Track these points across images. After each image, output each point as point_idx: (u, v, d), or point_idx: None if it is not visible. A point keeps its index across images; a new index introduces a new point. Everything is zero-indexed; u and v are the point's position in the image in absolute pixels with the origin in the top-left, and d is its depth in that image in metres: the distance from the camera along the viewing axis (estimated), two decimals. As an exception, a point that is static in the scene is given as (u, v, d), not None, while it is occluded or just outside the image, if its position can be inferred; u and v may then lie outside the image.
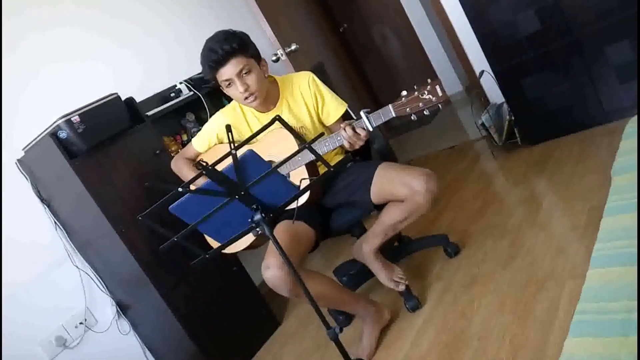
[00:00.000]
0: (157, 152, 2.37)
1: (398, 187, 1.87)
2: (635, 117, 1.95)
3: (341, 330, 1.50)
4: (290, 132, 1.39)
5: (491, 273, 2.04)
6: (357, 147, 1.78)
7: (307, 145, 1.39)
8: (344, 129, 1.74)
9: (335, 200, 2.06)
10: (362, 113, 1.73)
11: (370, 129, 1.74)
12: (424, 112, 1.67)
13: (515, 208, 2.49)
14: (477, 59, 3.16)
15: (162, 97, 2.83)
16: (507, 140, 3.08)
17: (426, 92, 1.65)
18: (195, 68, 2.80)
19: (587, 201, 2.12)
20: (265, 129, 1.40)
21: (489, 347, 1.66)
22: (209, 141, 2.10)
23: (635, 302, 1.17)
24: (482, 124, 3.14)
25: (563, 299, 1.66)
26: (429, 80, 1.66)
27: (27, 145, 2.23)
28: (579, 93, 2.72)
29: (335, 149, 1.86)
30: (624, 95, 2.59)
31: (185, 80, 2.90)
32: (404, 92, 1.68)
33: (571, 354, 1.20)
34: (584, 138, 2.71)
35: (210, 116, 2.17)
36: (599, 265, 1.43)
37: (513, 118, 3.00)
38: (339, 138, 1.79)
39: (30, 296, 2.23)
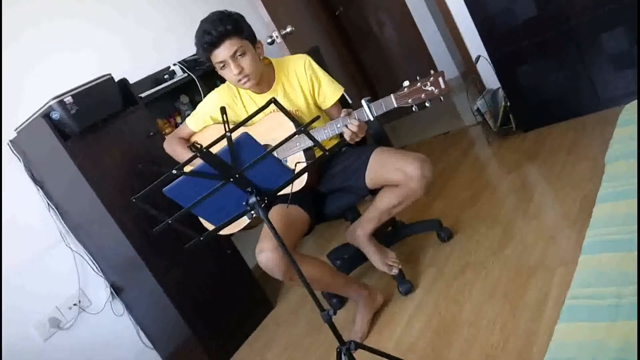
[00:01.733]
0: (151, 134, 2.36)
1: (392, 172, 1.87)
2: (630, 105, 1.96)
3: (335, 313, 1.50)
4: (286, 114, 1.38)
5: (483, 259, 2.05)
6: (357, 139, 1.77)
7: (302, 129, 1.39)
8: (345, 130, 1.74)
9: (330, 185, 2.06)
10: (363, 102, 1.72)
11: (371, 119, 1.73)
12: (426, 103, 1.67)
13: (508, 195, 2.50)
14: (474, 44, 3.15)
15: (156, 79, 2.80)
16: (502, 126, 3.08)
17: (429, 84, 1.64)
18: (188, 49, 2.77)
19: (580, 189, 2.14)
20: (260, 111, 1.39)
21: (480, 332, 1.68)
22: (204, 121, 2.09)
23: (631, 288, 1.18)
24: (478, 110, 3.14)
25: (554, 286, 1.68)
26: (431, 72, 1.65)
27: (20, 126, 2.21)
28: (574, 80, 2.72)
29: (332, 136, 1.85)
30: (618, 83, 2.60)
31: (179, 62, 2.87)
32: (406, 83, 1.67)
33: (561, 339, 1.21)
34: (578, 125, 2.72)
35: (204, 98, 2.15)
36: (591, 252, 1.44)
37: (509, 104, 3.00)
38: (338, 126, 1.79)
39: (24, 278, 2.23)
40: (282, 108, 1.36)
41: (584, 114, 2.76)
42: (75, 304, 2.35)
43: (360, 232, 2.04)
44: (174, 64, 2.86)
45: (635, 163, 1.61)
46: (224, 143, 1.34)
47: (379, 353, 1.57)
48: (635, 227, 1.37)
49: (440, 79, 1.65)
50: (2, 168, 2.26)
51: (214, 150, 1.34)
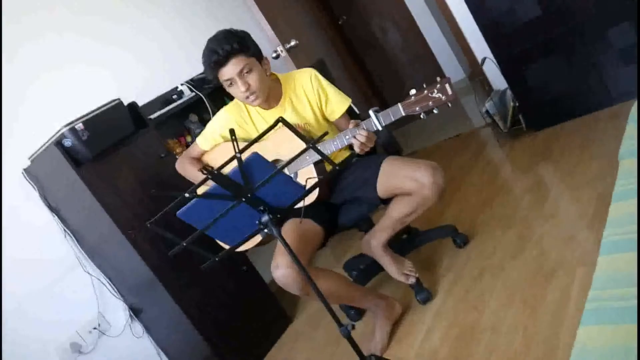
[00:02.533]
0: (163, 155, 2.38)
1: (404, 181, 1.87)
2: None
3: (353, 327, 1.50)
4: (294, 132, 1.39)
5: (501, 263, 2.03)
6: (367, 149, 1.77)
7: (311, 145, 1.39)
8: (355, 141, 1.74)
9: (342, 196, 2.06)
10: (371, 112, 1.72)
11: (380, 129, 1.73)
12: (433, 110, 1.66)
13: (523, 197, 2.48)
14: (479, 46, 3.14)
15: (164, 99, 2.83)
16: (512, 127, 3.06)
17: (436, 91, 1.64)
18: (195, 69, 2.81)
19: (595, 187, 2.11)
20: (269, 131, 1.39)
21: (501, 338, 1.66)
22: (214, 140, 2.10)
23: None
24: (487, 112, 3.13)
25: (574, 288, 1.65)
26: (438, 79, 1.65)
27: (33, 155, 2.24)
28: (583, 77, 2.70)
29: (342, 147, 1.85)
30: (628, 78, 2.57)
31: (187, 82, 2.90)
32: (413, 91, 1.67)
33: (584, 342, 1.19)
34: (589, 122, 2.69)
35: (213, 115, 2.17)
36: (609, 252, 1.42)
37: (517, 104, 2.98)
38: (347, 137, 1.79)
39: (43, 304, 2.25)
40: (290, 126, 1.37)
41: (595, 110, 2.73)
42: (95, 328, 2.37)
43: (375, 243, 2.04)
44: (182, 84, 2.89)
45: (650, 159, 1.59)
46: (235, 163, 1.35)
47: (401, 365, 1.55)
48: (654, 225, 1.35)
49: (447, 86, 1.64)
50: (17, 196, 2.29)
51: (226, 170, 1.35)
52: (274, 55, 3.21)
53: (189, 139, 2.88)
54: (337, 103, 2.04)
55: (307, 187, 1.49)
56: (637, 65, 2.45)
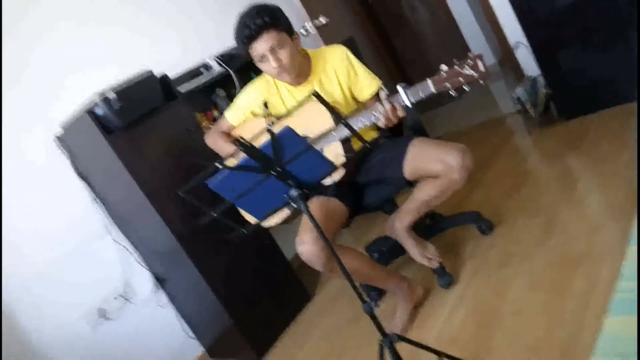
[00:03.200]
0: (191, 128, 2.40)
1: (432, 163, 1.85)
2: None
3: (377, 305, 1.51)
4: (327, 107, 1.38)
5: (526, 250, 2.02)
6: (392, 124, 1.74)
7: (343, 120, 1.39)
8: (382, 104, 1.71)
9: (368, 176, 2.05)
10: (399, 87, 1.68)
11: (409, 105, 1.68)
12: (464, 87, 1.62)
13: (550, 185, 2.44)
14: (512, 30, 3.07)
15: (193, 73, 2.83)
16: (542, 115, 3.01)
17: (467, 67, 1.59)
18: (224, 44, 2.81)
19: (625, 177, 2.07)
20: (301, 105, 1.39)
21: (523, 324, 1.65)
22: (242, 115, 2.11)
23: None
24: (517, 98, 3.07)
25: (601, 277, 1.63)
26: (469, 54, 1.59)
27: (66, 122, 2.28)
28: (618, 66, 2.62)
29: (369, 125, 1.84)
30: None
31: (216, 56, 2.90)
32: (444, 67, 1.61)
33: (612, 332, 1.18)
34: (623, 113, 2.63)
35: (240, 91, 2.17)
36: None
37: (549, 91, 2.92)
38: (374, 114, 1.76)
39: (71, 270, 2.31)
40: (323, 101, 1.36)
41: (629, 101, 2.66)
42: (120, 295, 2.42)
43: (399, 225, 2.03)
44: (211, 58, 2.89)
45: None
46: (265, 136, 1.36)
47: (421, 346, 1.56)
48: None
49: (479, 62, 1.58)
50: (49, 163, 2.34)
51: (257, 144, 1.36)
52: (303, 31, 3.19)
53: (215, 113, 2.89)
54: (367, 83, 2.02)
55: (338, 165, 1.48)
56: (637, 66, 2.37)
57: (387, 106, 1.69)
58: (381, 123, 1.73)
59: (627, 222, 1.68)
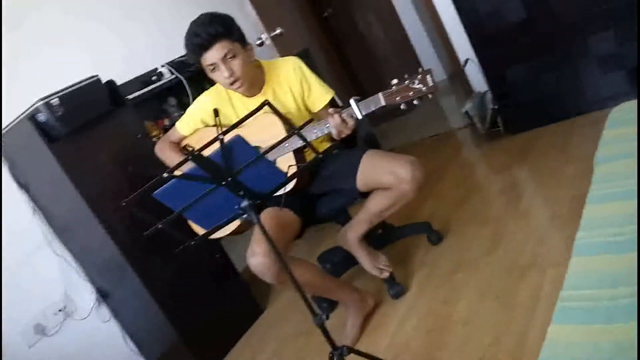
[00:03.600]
0: (139, 136, 2.33)
1: (384, 175, 1.87)
2: (618, 107, 1.97)
3: (327, 317, 1.49)
4: (280, 117, 1.37)
5: (474, 260, 2.06)
6: (344, 135, 1.76)
7: (296, 131, 1.38)
8: (332, 117, 1.73)
9: (321, 187, 2.05)
10: (351, 101, 1.71)
11: (359, 117, 1.72)
12: (414, 101, 1.66)
13: (498, 196, 2.51)
14: (462, 47, 3.16)
15: (144, 80, 2.77)
16: (490, 129, 3.10)
17: (417, 82, 1.64)
18: (176, 51, 2.75)
19: (569, 190, 2.15)
20: (254, 114, 1.37)
21: (472, 332, 1.68)
22: (194, 124, 2.07)
23: (624, 290, 1.19)
24: (466, 112, 3.16)
25: (545, 286, 1.68)
26: (419, 70, 1.65)
27: (5, 128, 2.16)
28: (563, 83, 2.75)
29: (322, 136, 1.84)
30: (606, 86, 2.62)
31: (167, 63, 2.84)
32: (395, 81, 1.66)
33: (555, 340, 1.21)
34: (567, 127, 2.74)
35: (193, 100, 2.13)
36: (582, 254, 1.44)
37: (496, 107, 3.02)
38: (327, 125, 1.77)
39: (8, 283, 2.18)
40: (276, 111, 1.35)
41: (572, 117, 2.78)
42: (60, 310, 2.31)
43: (351, 235, 2.03)
44: (162, 66, 2.83)
45: (625, 164, 1.63)
46: (216, 146, 1.33)
47: (371, 357, 1.56)
48: (627, 228, 1.38)
49: (428, 77, 1.65)
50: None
51: (206, 153, 1.32)
52: (258, 42, 3.18)
53: (166, 122, 2.82)
54: (320, 94, 2.03)
55: (289, 175, 1.47)
56: (638, 68, 2.48)
57: (337, 119, 1.71)
58: (333, 130, 1.75)
59: (570, 233, 1.74)
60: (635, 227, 1.35)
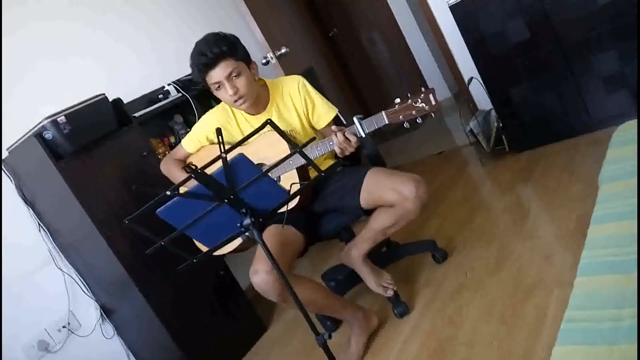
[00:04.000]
0: (145, 153, 2.35)
1: (387, 193, 1.87)
2: (622, 126, 1.97)
3: (330, 336, 1.48)
4: (282, 136, 1.38)
5: (479, 280, 2.04)
6: (347, 153, 1.77)
7: (298, 150, 1.39)
8: (336, 135, 1.74)
9: (325, 204, 2.05)
10: (355, 119, 1.72)
11: (363, 135, 1.73)
12: (417, 120, 1.67)
13: (503, 215, 2.50)
14: (466, 65, 3.18)
15: (150, 98, 2.80)
16: (494, 147, 3.10)
17: (419, 100, 1.65)
18: (183, 69, 2.77)
19: (574, 209, 2.14)
20: (256, 133, 1.38)
21: (477, 353, 1.66)
22: (199, 142, 2.09)
23: (629, 310, 1.17)
24: (471, 131, 3.16)
25: (551, 306, 1.66)
26: (422, 89, 1.66)
27: (12, 146, 2.19)
28: (566, 102, 2.75)
29: (325, 153, 1.85)
30: (610, 105, 2.63)
31: (174, 82, 2.87)
32: (398, 100, 1.67)
33: (560, 362, 1.20)
34: (571, 146, 2.74)
35: (199, 118, 2.16)
36: (587, 274, 1.43)
37: (501, 125, 3.02)
38: (330, 143, 1.79)
39: (12, 299, 2.18)
40: (278, 129, 1.36)
41: (577, 135, 2.78)
42: (64, 326, 2.30)
43: (355, 253, 2.03)
44: (169, 84, 2.86)
45: (630, 184, 1.62)
46: (219, 164, 1.34)
47: (375, 377, 1.54)
48: (632, 248, 1.37)
49: (431, 96, 1.66)
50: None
51: (209, 171, 1.33)
52: (264, 61, 3.21)
53: (172, 139, 2.85)
54: (324, 112, 2.04)
55: (292, 192, 1.47)
56: (638, 84, 2.48)
57: (340, 137, 1.72)
58: (336, 148, 1.76)
59: (576, 252, 1.73)
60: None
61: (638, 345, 1.07)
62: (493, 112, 3.10)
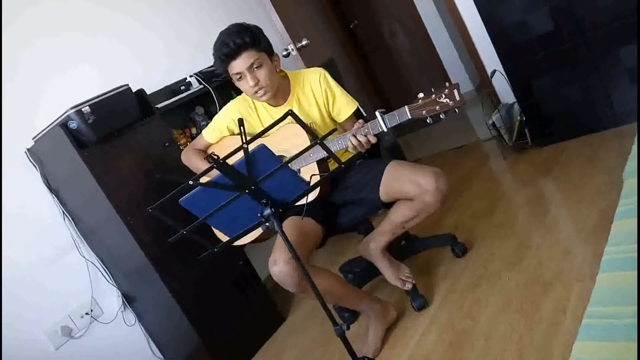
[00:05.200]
0: (167, 144, 2.38)
1: (407, 185, 1.86)
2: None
3: (348, 327, 1.49)
4: (303, 126, 1.39)
5: (498, 273, 2.03)
6: (362, 151, 1.77)
7: (318, 141, 1.39)
8: (351, 138, 1.75)
9: (344, 197, 2.05)
10: (377, 113, 1.72)
11: (385, 130, 1.73)
12: (440, 115, 1.66)
13: (523, 209, 2.47)
14: (489, 58, 3.14)
15: (172, 90, 2.83)
16: (517, 141, 3.06)
17: (443, 96, 1.64)
18: (205, 61, 2.81)
19: (595, 204, 2.11)
20: (278, 123, 1.39)
21: (494, 346, 1.65)
22: (219, 132, 2.10)
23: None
24: (493, 124, 3.13)
25: (571, 301, 1.65)
26: (446, 84, 1.65)
27: (37, 135, 2.23)
28: (591, 95, 2.70)
29: (345, 147, 1.85)
30: (635, 99, 2.57)
31: (196, 74, 2.90)
32: (421, 95, 1.66)
33: (579, 357, 1.19)
34: (594, 140, 2.69)
35: (220, 109, 2.17)
36: (609, 269, 1.42)
37: (524, 118, 2.98)
38: (350, 138, 1.79)
39: (37, 286, 2.24)
40: (299, 120, 1.36)
41: (601, 129, 2.73)
42: (87, 313, 2.36)
43: (374, 246, 2.03)
44: (190, 75, 2.89)
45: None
46: (240, 154, 1.35)
47: (392, 368, 1.55)
48: (656, 244, 1.34)
49: (455, 91, 1.65)
50: (19, 176, 2.28)
51: (231, 161, 1.35)
52: (285, 53, 3.21)
53: (194, 130, 2.88)
54: (344, 105, 2.04)
55: (312, 184, 1.48)
56: (637, 86, 2.44)
57: (355, 142, 1.75)
58: (350, 146, 1.77)
59: (597, 247, 1.70)
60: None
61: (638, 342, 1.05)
62: (516, 106, 3.06)
